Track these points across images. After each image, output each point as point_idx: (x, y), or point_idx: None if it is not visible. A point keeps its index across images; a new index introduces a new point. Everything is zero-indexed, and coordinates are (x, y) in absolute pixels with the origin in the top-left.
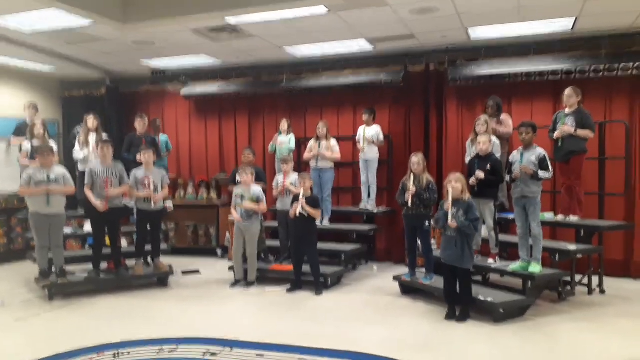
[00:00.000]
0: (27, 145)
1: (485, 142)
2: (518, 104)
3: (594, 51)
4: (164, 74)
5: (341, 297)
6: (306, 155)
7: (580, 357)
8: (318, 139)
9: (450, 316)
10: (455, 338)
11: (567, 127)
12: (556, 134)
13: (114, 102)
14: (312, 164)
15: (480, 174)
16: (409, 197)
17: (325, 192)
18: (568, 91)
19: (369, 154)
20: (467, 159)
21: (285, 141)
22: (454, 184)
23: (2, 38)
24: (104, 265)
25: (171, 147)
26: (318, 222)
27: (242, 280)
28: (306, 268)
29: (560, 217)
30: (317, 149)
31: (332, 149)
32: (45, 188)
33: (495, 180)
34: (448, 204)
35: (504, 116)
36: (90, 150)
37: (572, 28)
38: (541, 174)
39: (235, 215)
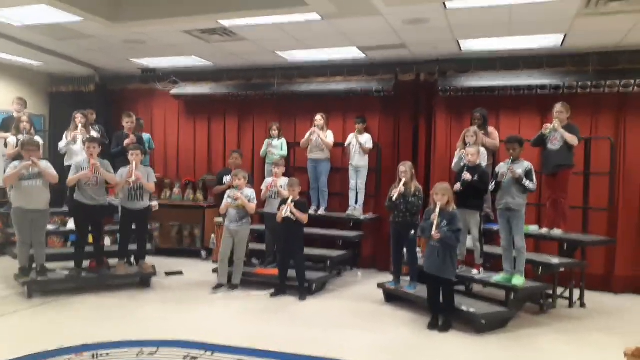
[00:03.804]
0: (13, 139)
1: (474, 154)
2: (506, 117)
3: (582, 67)
4: (154, 72)
5: (325, 303)
6: (303, 141)
7: None
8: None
9: (432, 325)
10: (438, 347)
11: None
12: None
13: (102, 99)
14: (309, 154)
15: (468, 175)
16: (395, 193)
17: (321, 183)
18: (559, 107)
19: (360, 162)
20: (454, 165)
21: (277, 146)
22: (441, 196)
23: None
24: (85, 263)
25: (154, 146)
26: (312, 211)
27: (225, 285)
28: (291, 273)
29: (544, 230)
30: (313, 128)
31: (326, 137)
32: (30, 162)
33: (480, 187)
34: (435, 215)
35: (491, 129)
36: (78, 146)
37: (561, 44)
38: (526, 182)
39: (223, 209)
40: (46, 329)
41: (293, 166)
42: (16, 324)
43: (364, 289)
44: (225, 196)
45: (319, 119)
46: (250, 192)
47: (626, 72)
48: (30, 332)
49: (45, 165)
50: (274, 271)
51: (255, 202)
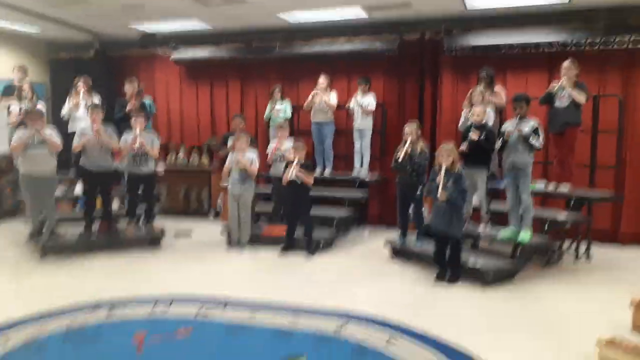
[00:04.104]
0: (15, 107)
1: (480, 113)
2: (513, 75)
3: (591, 24)
4: (154, 37)
5: (333, 260)
6: (306, 104)
7: (563, 321)
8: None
9: (440, 277)
10: (444, 300)
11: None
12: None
13: (102, 66)
14: (312, 118)
15: (474, 135)
16: (401, 154)
17: (326, 145)
18: (567, 64)
19: (363, 124)
20: (460, 125)
21: (280, 109)
22: (446, 157)
23: None
24: (95, 226)
25: (155, 110)
26: (317, 173)
27: (238, 243)
28: (299, 232)
29: (551, 187)
30: (316, 90)
31: (329, 99)
32: (34, 131)
33: (487, 146)
34: (440, 176)
35: (497, 87)
36: (80, 112)
37: (569, 0)
38: (533, 140)
39: (225, 173)
40: (60, 288)
41: (297, 129)
42: (31, 284)
43: (371, 246)
44: (227, 159)
45: (322, 81)
46: (251, 155)
47: (635, 28)
48: (45, 291)
49: (50, 133)
50: (282, 231)
51: (257, 164)
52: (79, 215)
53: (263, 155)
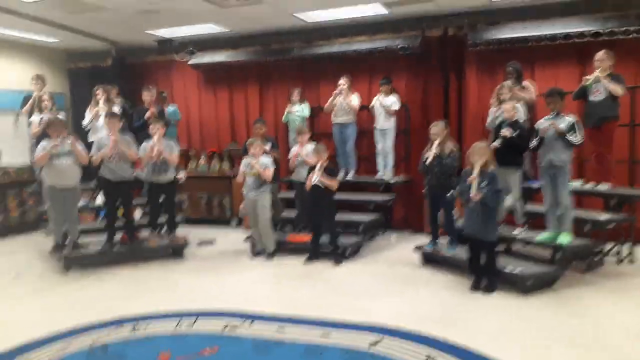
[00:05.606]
0: (36, 118)
1: (509, 110)
2: (542, 69)
3: (623, 11)
4: (171, 43)
5: (360, 268)
6: (326, 106)
7: (607, 331)
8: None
9: (475, 286)
10: (481, 311)
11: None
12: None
13: (120, 73)
14: (333, 119)
15: (507, 132)
16: (430, 157)
17: (348, 147)
18: (600, 55)
19: (385, 124)
20: (488, 123)
21: (299, 110)
22: (479, 157)
23: (4, 10)
24: (117, 237)
25: (179, 117)
26: (341, 177)
27: (264, 251)
28: (324, 238)
29: (589, 185)
30: (337, 91)
31: (351, 100)
32: (60, 141)
33: (521, 144)
34: (473, 177)
35: (526, 82)
36: (100, 122)
37: None
38: (570, 137)
39: (239, 178)
40: (85, 302)
41: (318, 132)
42: (54, 300)
43: (398, 252)
44: (241, 165)
45: (342, 82)
46: (266, 159)
47: None
48: (69, 306)
49: (77, 146)
50: (306, 237)
51: (272, 169)
52: (101, 226)
53: (284, 160)
